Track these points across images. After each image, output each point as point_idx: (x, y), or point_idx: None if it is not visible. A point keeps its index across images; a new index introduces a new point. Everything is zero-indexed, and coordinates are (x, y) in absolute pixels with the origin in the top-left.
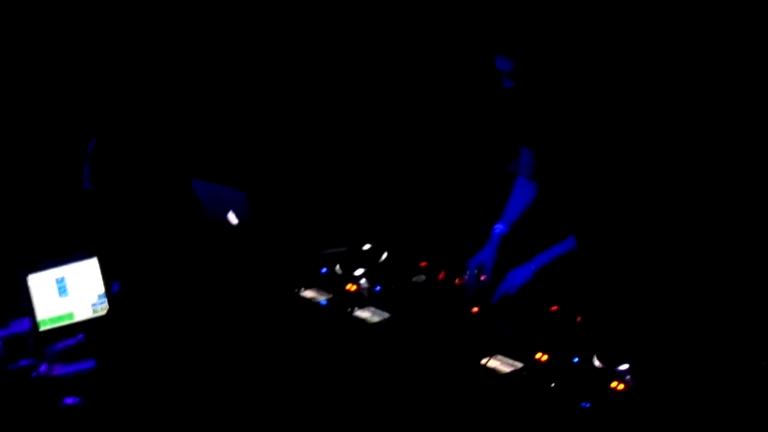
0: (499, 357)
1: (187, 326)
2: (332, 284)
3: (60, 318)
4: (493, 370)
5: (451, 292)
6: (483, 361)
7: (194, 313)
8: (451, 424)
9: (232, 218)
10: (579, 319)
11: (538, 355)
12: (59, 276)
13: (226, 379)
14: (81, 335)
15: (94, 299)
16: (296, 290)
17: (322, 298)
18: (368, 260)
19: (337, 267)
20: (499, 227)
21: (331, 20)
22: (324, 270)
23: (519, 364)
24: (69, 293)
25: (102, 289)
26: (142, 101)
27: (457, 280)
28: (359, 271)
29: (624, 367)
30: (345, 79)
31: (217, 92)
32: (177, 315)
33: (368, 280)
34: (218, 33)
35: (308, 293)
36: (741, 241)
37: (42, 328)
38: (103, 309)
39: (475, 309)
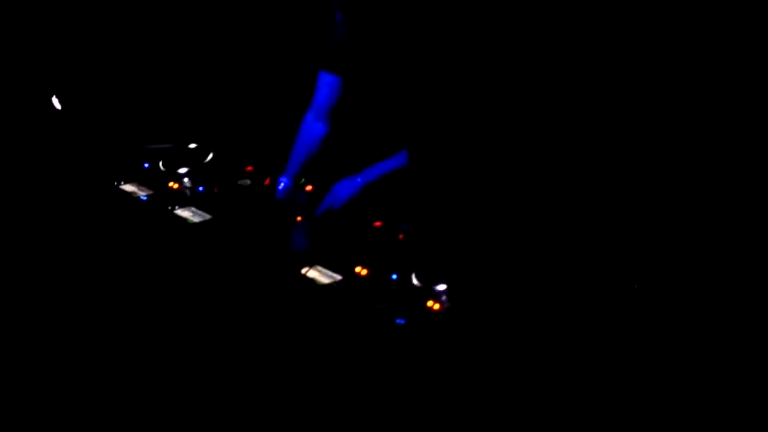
0: (319, 268)
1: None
2: (154, 181)
3: None
4: (312, 281)
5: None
6: (302, 271)
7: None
8: (263, 333)
9: (56, 102)
10: (401, 236)
11: (358, 269)
12: None
13: (39, 264)
14: None
15: None
16: (116, 183)
17: (143, 194)
18: (193, 159)
19: (161, 163)
20: (283, 181)
21: None
22: (146, 165)
23: (338, 277)
24: None
25: None
26: None
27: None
28: (183, 170)
29: (441, 287)
30: None
31: None
32: None
33: (191, 179)
34: None
35: (128, 187)
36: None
37: None
38: None
39: (299, 218)
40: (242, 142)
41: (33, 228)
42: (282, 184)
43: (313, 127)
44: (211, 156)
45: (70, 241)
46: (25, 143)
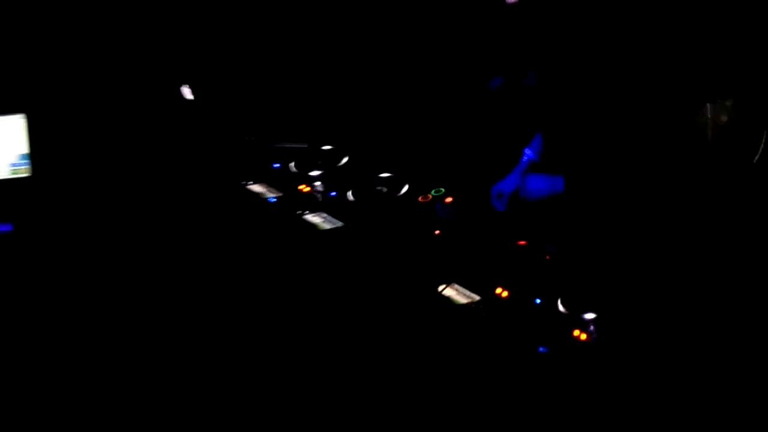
0: (456, 286)
1: (114, 199)
2: (284, 182)
3: None
4: (448, 299)
5: (414, 209)
6: (439, 289)
7: (124, 185)
8: (397, 353)
9: (186, 92)
10: (548, 258)
11: (498, 290)
12: None
13: (156, 263)
14: None
15: (14, 159)
16: (243, 183)
17: (272, 196)
18: (327, 161)
19: (292, 164)
20: (528, 153)
21: None
22: (277, 165)
23: (476, 297)
24: None
25: (25, 149)
26: None
27: (420, 198)
28: (316, 172)
29: (590, 316)
30: None
31: None
32: (103, 188)
33: (324, 183)
34: None
35: (256, 188)
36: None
37: None
38: (22, 171)
39: (437, 231)
40: (379, 145)
41: (153, 226)
42: (526, 156)
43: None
44: (346, 159)
45: (192, 241)
46: (151, 135)
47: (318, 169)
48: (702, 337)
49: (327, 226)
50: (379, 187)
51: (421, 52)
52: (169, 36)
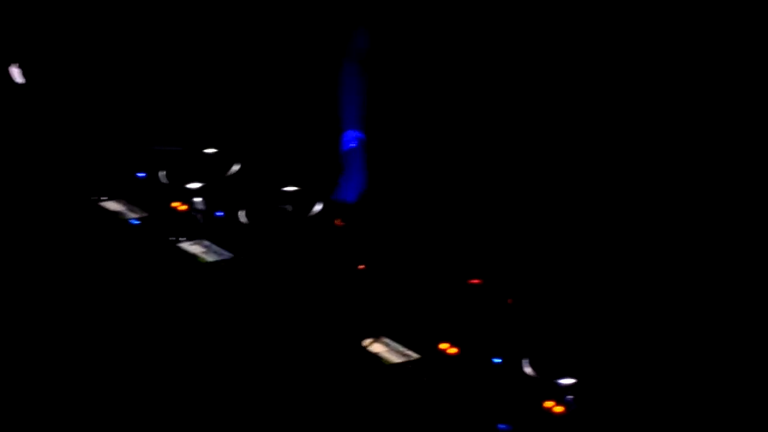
0: (387, 340)
1: None
2: (151, 197)
3: None
4: (376, 357)
5: (330, 234)
6: (364, 343)
7: None
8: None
9: (16, 75)
10: (510, 300)
11: (444, 346)
12: None
13: None
14: None
15: None
16: (95, 198)
17: (134, 216)
18: (210, 169)
19: (163, 173)
20: (353, 135)
21: None
22: (142, 174)
23: (414, 354)
24: None
25: None
26: None
27: (337, 221)
28: (195, 185)
29: (566, 381)
30: None
31: None
32: None
33: (207, 198)
34: None
35: (113, 205)
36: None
37: None
38: None
39: (362, 266)
40: (282, 148)
41: None
42: (353, 139)
43: (357, 79)
44: (237, 167)
45: (20, 280)
46: None
47: (198, 180)
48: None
49: (210, 257)
50: (282, 205)
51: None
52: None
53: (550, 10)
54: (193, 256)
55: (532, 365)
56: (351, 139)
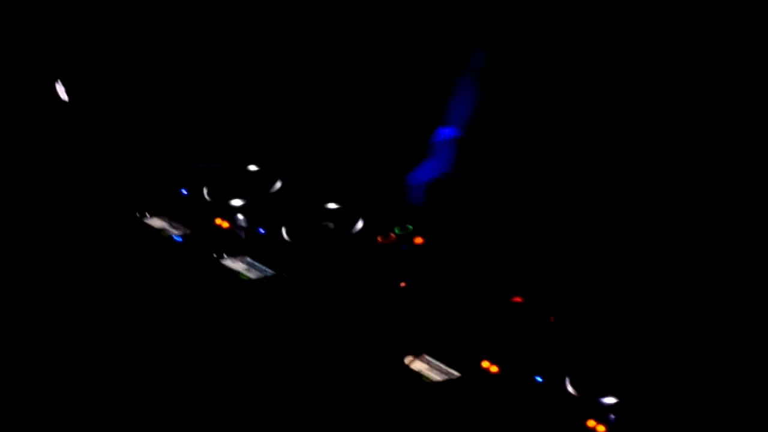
0: (428, 358)
1: None
2: (194, 214)
3: None
4: (417, 375)
5: (371, 252)
6: (406, 361)
7: None
8: None
9: (61, 91)
10: (552, 319)
11: (485, 364)
12: None
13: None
14: None
15: None
16: (139, 214)
17: (177, 233)
18: (253, 187)
19: (206, 190)
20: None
21: None
22: (184, 191)
23: (455, 373)
24: None
25: None
26: None
27: (379, 238)
28: (238, 202)
29: (609, 400)
30: None
31: None
32: None
33: (249, 216)
34: None
35: (156, 222)
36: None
37: None
38: None
39: (403, 284)
40: (324, 165)
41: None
42: (450, 134)
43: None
44: (279, 184)
45: (64, 296)
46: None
47: (241, 198)
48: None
49: (253, 274)
50: (324, 222)
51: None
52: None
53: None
54: (236, 273)
55: (574, 384)
56: (447, 133)
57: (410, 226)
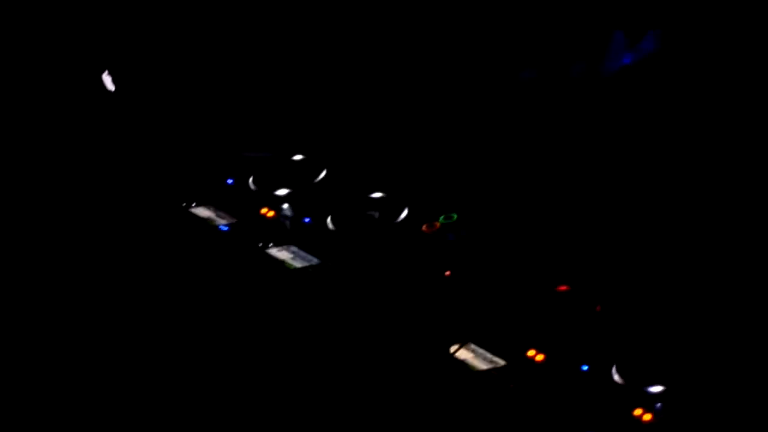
0: (474, 347)
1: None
2: (240, 204)
3: None
4: (463, 364)
5: (416, 241)
6: (451, 350)
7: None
8: None
9: (108, 82)
10: (599, 308)
11: (531, 353)
12: None
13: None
14: None
15: None
16: (185, 204)
17: (223, 222)
18: (298, 177)
19: (251, 179)
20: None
21: None
22: (230, 181)
23: (501, 362)
24: None
25: None
26: None
27: (425, 227)
28: (283, 191)
29: (656, 389)
30: None
31: None
32: None
33: (295, 205)
34: None
35: (202, 211)
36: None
37: None
38: None
39: (448, 272)
40: (369, 155)
41: (58, 262)
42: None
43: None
44: (324, 173)
45: (115, 286)
46: (58, 136)
47: (286, 187)
48: None
49: (298, 263)
50: (369, 212)
51: (420, 33)
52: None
53: None
54: (281, 262)
55: (620, 372)
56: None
57: (455, 215)
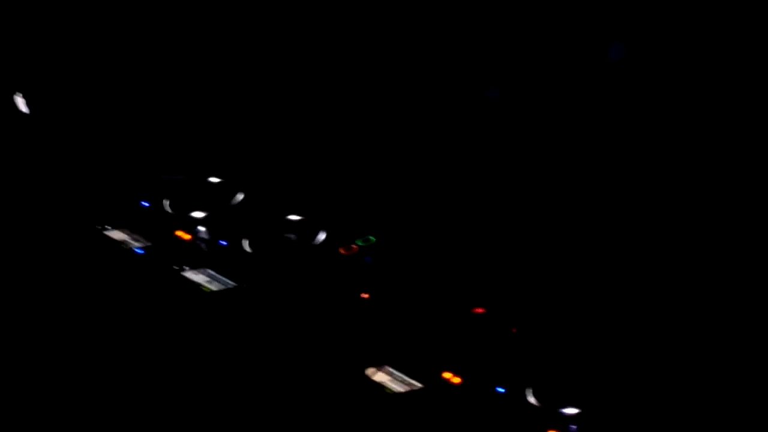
0: (390, 369)
1: None
2: (156, 226)
3: None
4: (379, 387)
5: (333, 264)
6: (367, 372)
7: None
8: None
9: (20, 104)
10: (514, 330)
11: (447, 375)
12: None
13: None
14: None
15: None
16: (99, 227)
17: (138, 245)
18: (215, 199)
19: (166, 202)
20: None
21: None
22: (145, 203)
23: (417, 384)
24: None
25: None
26: None
27: (341, 249)
28: (199, 214)
29: (571, 411)
30: None
31: None
32: None
33: (211, 228)
34: None
35: (117, 234)
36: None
37: None
38: None
39: (365, 294)
40: (287, 177)
41: None
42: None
43: None
44: (241, 196)
45: (23, 310)
46: None
47: (202, 210)
48: None
49: (214, 286)
50: (286, 234)
51: (331, 58)
52: None
53: None
54: (197, 285)
55: (535, 395)
56: None
57: (372, 238)
